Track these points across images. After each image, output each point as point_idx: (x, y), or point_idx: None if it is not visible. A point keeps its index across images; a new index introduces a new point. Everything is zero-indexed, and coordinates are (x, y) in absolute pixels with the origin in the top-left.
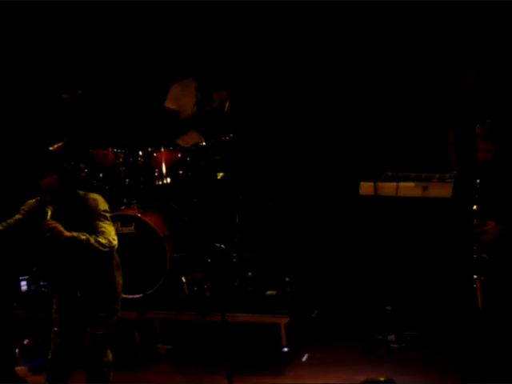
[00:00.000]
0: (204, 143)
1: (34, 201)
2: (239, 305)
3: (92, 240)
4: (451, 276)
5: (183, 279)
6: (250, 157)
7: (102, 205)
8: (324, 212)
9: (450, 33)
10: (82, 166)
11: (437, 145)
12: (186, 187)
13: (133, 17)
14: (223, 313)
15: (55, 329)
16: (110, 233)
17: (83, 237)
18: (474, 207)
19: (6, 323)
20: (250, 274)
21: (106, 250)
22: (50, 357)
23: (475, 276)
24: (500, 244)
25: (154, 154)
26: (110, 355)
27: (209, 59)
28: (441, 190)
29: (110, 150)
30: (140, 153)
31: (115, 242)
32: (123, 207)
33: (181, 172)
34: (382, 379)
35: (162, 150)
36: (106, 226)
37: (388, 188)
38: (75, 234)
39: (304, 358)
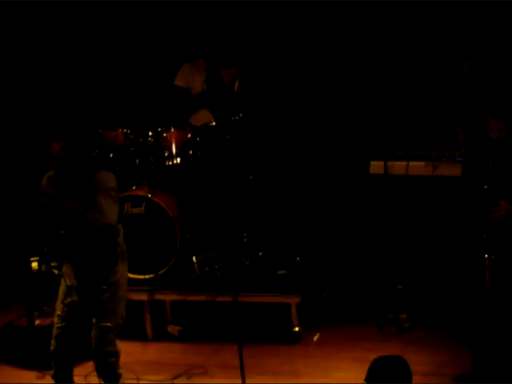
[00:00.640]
0: (214, 123)
1: (44, 177)
2: (250, 285)
3: (86, 213)
4: (462, 255)
5: (194, 259)
6: (260, 137)
7: (110, 182)
8: (334, 191)
9: (448, 19)
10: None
11: (446, 123)
12: (196, 167)
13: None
14: (234, 293)
15: (58, 313)
16: (107, 210)
17: (79, 207)
18: (485, 186)
19: None
20: (260, 253)
21: (99, 226)
22: (52, 341)
23: (486, 255)
24: (510, 223)
25: (164, 135)
26: (117, 346)
27: (219, 38)
28: (451, 169)
29: (120, 130)
30: (150, 133)
31: (110, 221)
32: (133, 187)
33: (191, 152)
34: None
35: (172, 130)
36: (106, 202)
37: (398, 167)
38: (71, 203)
39: (315, 338)
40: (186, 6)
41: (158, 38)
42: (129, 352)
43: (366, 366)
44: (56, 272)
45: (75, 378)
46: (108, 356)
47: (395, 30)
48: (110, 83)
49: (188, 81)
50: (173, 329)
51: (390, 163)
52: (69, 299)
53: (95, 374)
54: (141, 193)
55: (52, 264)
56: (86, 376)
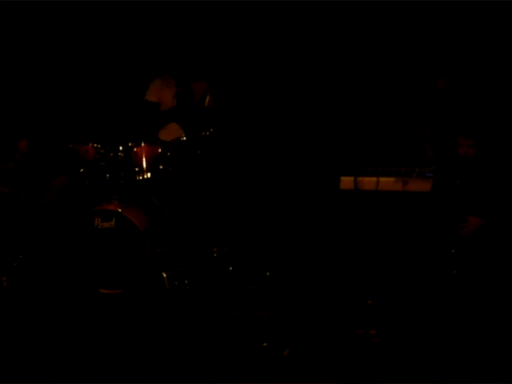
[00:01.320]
0: (184, 138)
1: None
2: (219, 299)
3: None
4: (431, 270)
5: (164, 274)
6: (230, 152)
7: None
8: (304, 206)
9: (424, 36)
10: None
11: (416, 139)
12: (166, 182)
13: (112, 12)
14: (204, 307)
15: None
16: None
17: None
18: (454, 201)
19: None
20: (230, 268)
21: None
22: None
23: (453, 270)
24: (479, 238)
25: (135, 149)
26: None
27: (189, 53)
28: (421, 185)
29: (91, 145)
30: (120, 148)
31: None
32: (104, 202)
33: (161, 167)
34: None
35: (143, 145)
36: None
37: (368, 182)
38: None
39: (285, 353)
40: (156, 22)
41: (128, 52)
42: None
43: None
44: None
45: None
46: None
47: (366, 47)
48: (80, 98)
49: (159, 96)
50: (143, 343)
51: (360, 179)
52: None
53: None
54: (111, 207)
55: None
56: None
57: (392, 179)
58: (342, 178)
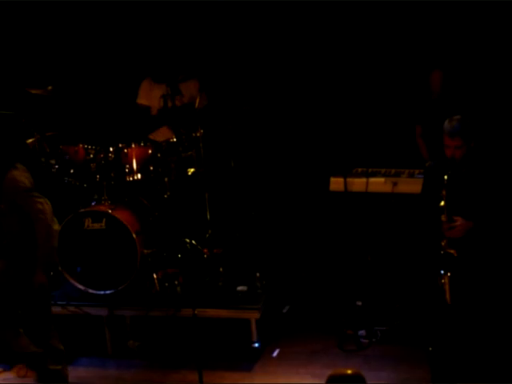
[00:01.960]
0: (175, 139)
1: None
2: (210, 300)
3: None
4: (420, 271)
5: (154, 275)
6: (220, 152)
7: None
8: (295, 208)
9: (416, 31)
10: (53, 162)
11: (406, 140)
12: (156, 183)
13: (102, 13)
14: (194, 308)
15: None
16: None
17: None
18: (442, 203)
19: None
20: (221, 269)
21: None
22: None
23: (442, 272)
24: (468, 240)
25: (125, 150)
26: None
27: (180, 54)
28: (410, 186)
29: (81, 145)
30: (111, 149)
31: None
32: (94, 203)
33: (151, 168)
34: (349, 372)
35: (133, 146)
36: None
37: (358, 184)
38: None
39: (275, 354)
40: (146, 23)
41: (119, 53)
42: (88, 367)
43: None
44: None
45: None
46: None
47: (354, 47)
48: (70, 98)
49: (149, 98)
50: (133, 344)
51: (349, 180)
52: None
53: None
54: (101, 208)
55: None
56: None
57: (382, 180)
58: (332, 179)
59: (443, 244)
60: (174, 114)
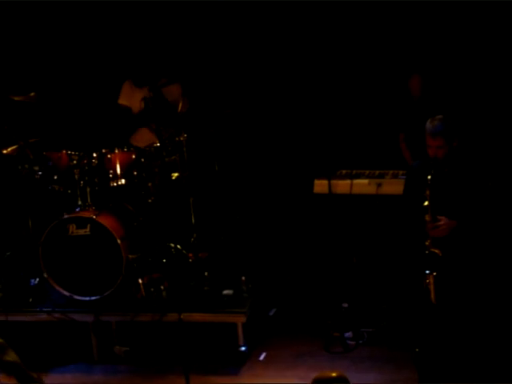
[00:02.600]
0: (158, 144)
1: None
2: (196, 305)
3: None
4: (405, 272)
5: (139, 280)
6: (204, 156)
7: None
8: (279, 210)
9: (397, 34)
10: (36, 168)
11: (389, 141)
12: (140, 188)
13: (83, 16)
14: (180, 313)
15: None
16: None
17: None
18: (426, 203)
19: None
20: (206, 273)
21: None
22: None
23: (427, 271)
24: (452, 239)
25: (108, 156)
26: None
27: (162, 57)
28: (395, 187)
29: (64, 152)
30: (94, 154)
31: None
32: (78, 209)
33: (135, 173)
34: (334, 375)
35: (116, 151)
36: None
37: (342, 186)
38: None
39: (261, 357)
40: (128, 27)
41: (102, 57)
42: (74, 373)
43: None
44: None
45: None
46: None
47: (337, 49)
48: (53, 105)
49: (130, 99)
50: (119, 350)
51: (333, 182)
52: None
53: None
54: (86, 214)
55: None
56: None
57: (366, 181)
58: (316, 181)
59: (427, 244)
60: (157, 117)
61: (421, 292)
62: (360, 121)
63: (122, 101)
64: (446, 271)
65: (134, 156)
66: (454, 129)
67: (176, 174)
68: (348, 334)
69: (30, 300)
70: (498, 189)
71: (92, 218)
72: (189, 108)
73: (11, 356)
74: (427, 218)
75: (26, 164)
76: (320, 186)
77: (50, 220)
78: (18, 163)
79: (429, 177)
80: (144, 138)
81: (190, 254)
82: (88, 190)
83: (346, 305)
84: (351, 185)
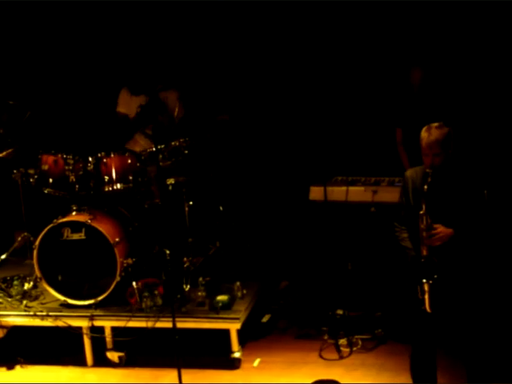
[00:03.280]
0: (154, 149)
1: None
2: (190, 310)
3: None
4: (400, 279)
5: (134, 285)
6: (200, 161)
7: None
8: (275, 217)
9: (392, 32)
10: (32, 172)
11: (386, 148)
12: (136, 193)
13: (79, 21)
14: (174, 319)
15: None
16: None
17: None
18: (422, 211)
19: None
20: (200, 279)
21: None
22: None
23: (424, 280)
24: (448, 247)
25: (104, 160)
26: None
27: (159, 62)
28: (390, 194)
29: (60, 155)
30: (90, 158)
31: None
32: (73, 213)
33: (131, 177)
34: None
35: (112, 155)
36: None
37: (338, 192)
38: None
39: (255, 363)
40: (124, 33)
41: (100, 62)
42: (68, 379)
43: None
44: None
45: None
46: None
47: (333, 53)
48: (49, 108)
49: (127, 107)
50: (113, 355)
51: (329, 188)
52: None
53: None
54: (81, 218)
55: None
56: None
57: (362, 188)
58: (312, 188)
59: (423, 252)
60: (153, 123)
61: (416, 299)
62: (356, 127)
63: (121, 109)
64: (442, 279)
65: (129, 161)
66: (449, 136)
67: (172, 180)
68: (342, 341)
69: (25, 303)
70: (495, 196)
71: (87, 222)
72: (185, 113)
73: None
74: (423, 226)
75: (21, 167)
76: (316, 192)
77: (44, 224)
78: (13, 167)
79: (425, 186)
80: (139, 143)
81: (185, 259)
82: (83, 194)
83: (340, 311)
84: (347, 192)
